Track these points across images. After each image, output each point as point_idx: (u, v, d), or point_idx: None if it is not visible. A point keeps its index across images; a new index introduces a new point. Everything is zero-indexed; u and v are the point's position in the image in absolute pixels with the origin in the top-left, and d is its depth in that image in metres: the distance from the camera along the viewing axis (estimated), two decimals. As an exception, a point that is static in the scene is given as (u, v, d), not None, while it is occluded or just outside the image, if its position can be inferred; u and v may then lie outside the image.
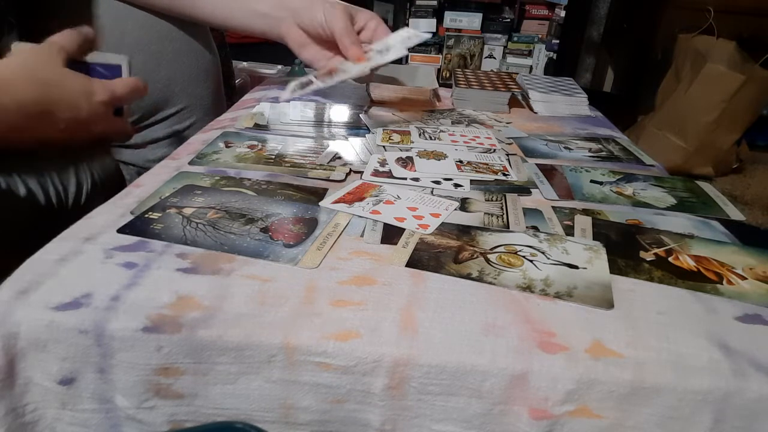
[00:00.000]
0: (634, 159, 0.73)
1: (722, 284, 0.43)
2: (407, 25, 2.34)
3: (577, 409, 0.35)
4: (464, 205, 0.54)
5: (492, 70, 1.22)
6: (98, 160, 0.62)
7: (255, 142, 0.68)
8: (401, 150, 0.68)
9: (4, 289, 0.37)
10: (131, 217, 0.47)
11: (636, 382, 0.34)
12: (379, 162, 0.63)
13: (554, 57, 2.31)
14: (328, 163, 0.63)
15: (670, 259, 0.47)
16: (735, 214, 0.57)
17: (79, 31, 0.57)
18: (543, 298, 0.40)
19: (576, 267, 0.44)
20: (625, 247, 0.48)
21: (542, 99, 0.94)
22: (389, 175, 0.60)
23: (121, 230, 0.45)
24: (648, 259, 0.46)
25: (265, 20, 0.76)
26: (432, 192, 0.57)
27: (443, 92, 0.99)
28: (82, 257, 0.41)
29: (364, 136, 0.72)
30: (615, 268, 0.44)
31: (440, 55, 2.35)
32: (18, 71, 0.50)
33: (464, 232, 0.48)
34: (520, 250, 0.46)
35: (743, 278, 0.44)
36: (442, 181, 0.59)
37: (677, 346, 0.36)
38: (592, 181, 0.63)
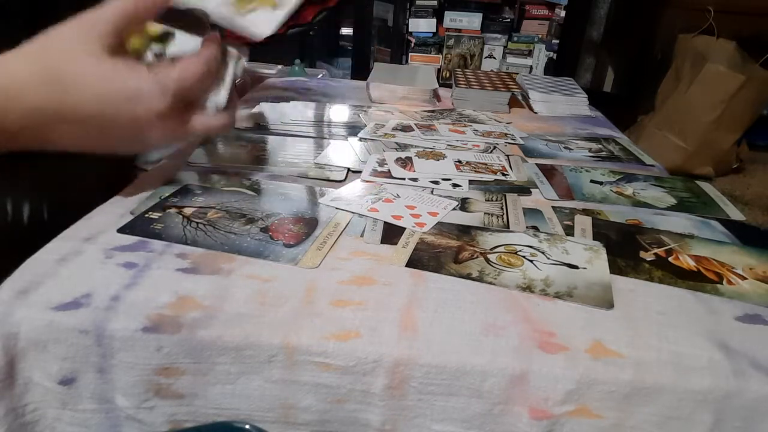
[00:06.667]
0: (634, 159, 0.73)
1: (722, 284, 0.43)
2: (407, 25, 2.33)
3: (577, 409, 0.35)
4: (464, 205, 0.54)
5: (492, 70, 1.22)
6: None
7: (255, 142, 0.68)
8: (399, 149, 0.68)
9: (4, 289, 0.37)
10: (131, 217, 0.47)
11: (636, 382, 0.34)
12: (378, 162, 0.63)
13: (554, 57, 2.30)
14: (327, 163, 0.63)
15: (670, 259, 0.47)
16: (735, 214, 0.57)
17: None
18: (543, 298, 0.40)
19: (576, 267, 0.44)
20: (625, 247, 0.48)
21: (542, 99, 0.94)
22: (388, 175, 0.60)
23: (121, 230, 0.45)
24: (648, 259, 0.46)
25: None
26: (432, 192, 0.57)
27: (443, 92, 0.99)
28: (82, 257, 0.41)
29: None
30: (615, 268, 0.44)
31: (440, 55, 2.35)
32: (33, 69, 0.39)
33: (464, 232, 0.48)
34: (520, 250, 0.46)
35: (743, 278, 0.44)
36: (441, 181, 0.59)
37: (677, 346, 0.36)
38: (592, 181, 0.63)
